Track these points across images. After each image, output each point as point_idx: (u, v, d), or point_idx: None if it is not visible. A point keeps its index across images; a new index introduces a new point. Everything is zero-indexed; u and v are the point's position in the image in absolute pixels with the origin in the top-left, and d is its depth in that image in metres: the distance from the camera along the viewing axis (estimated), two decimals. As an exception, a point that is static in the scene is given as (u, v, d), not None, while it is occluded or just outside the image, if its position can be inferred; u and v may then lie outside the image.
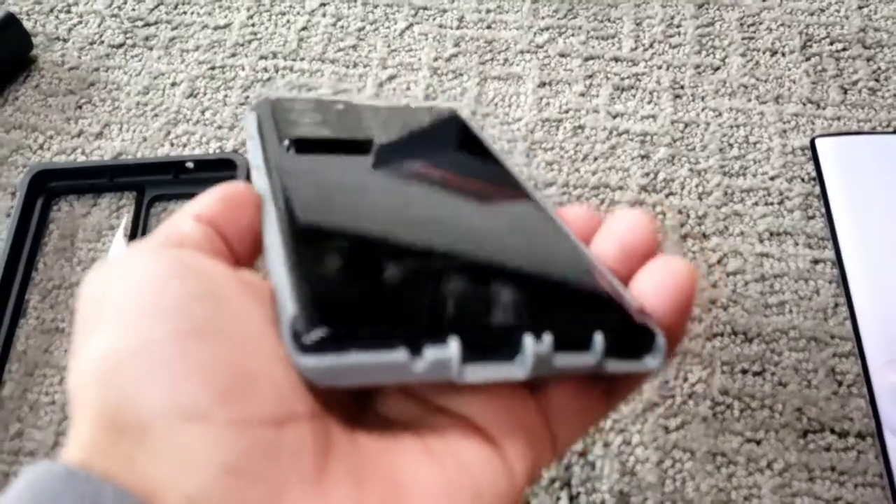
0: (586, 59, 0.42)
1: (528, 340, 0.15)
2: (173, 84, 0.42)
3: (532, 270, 0.18)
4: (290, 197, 0.19)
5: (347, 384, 0.14)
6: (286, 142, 0.22)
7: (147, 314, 0.15)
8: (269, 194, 0.19)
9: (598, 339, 0.16)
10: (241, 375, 0.14)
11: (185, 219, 0.18)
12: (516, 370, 0.15)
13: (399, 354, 0.14)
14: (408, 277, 0.17)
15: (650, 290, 0.18)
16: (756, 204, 0.37)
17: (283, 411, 0.14)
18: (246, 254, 0.19)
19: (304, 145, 0.22)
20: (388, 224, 0.19)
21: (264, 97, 0.25)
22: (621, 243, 0.19)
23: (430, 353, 0.14)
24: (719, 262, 0.35)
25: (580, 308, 0.17)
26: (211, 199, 0.19)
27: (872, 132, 0.39)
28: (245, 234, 0.19)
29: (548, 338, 0.15)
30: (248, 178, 0.37)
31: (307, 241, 0.17)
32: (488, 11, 0.45)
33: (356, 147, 0.24)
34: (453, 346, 0.15)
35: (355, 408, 0.17)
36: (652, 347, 0.17)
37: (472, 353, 0.15)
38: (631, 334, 0.16)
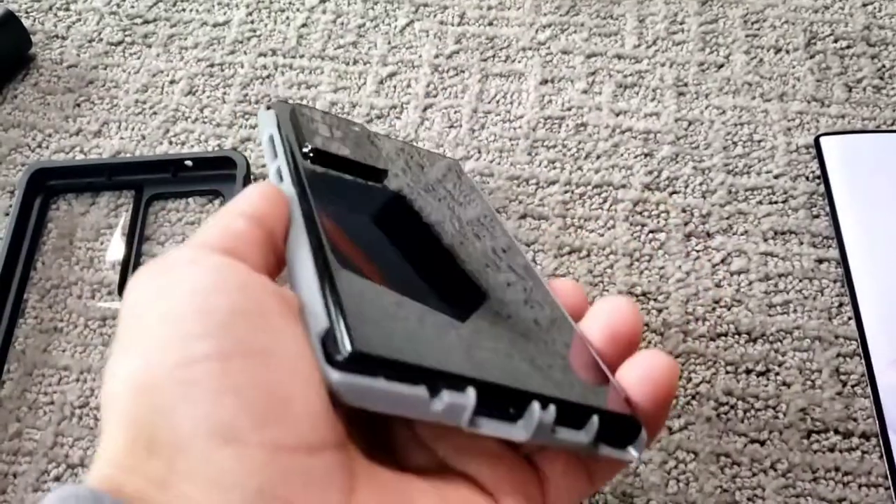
0: (589, 57, 0.42)
1: (535, 407, 0.16)
2: (172, 82, 0.42)
3: (544, 345, 0.20)
4: (317, 212, 0.19)
5: (369, 406, 0.15)
6: (307, 149, 0.22)
7: (188, 331, 0.15)
8: (296, 202, 0.19)
9: (594, 421, 0.17)
10: (279, 399, 0.14)
11: (234, 217, 0.18)
12: (519, 431, 0.16)
13: (420, 391, 0.15)
14: (435, 321, 0.18)
15: (634, 384, 0.19)
16: (760, 202, 0.37)
17: (316, 438, 0.14)
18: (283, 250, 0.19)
19: (324, 158, 0.22)
20: (414, 263, 0.20)
21: (281, 99, 0.25)
22: (609, 329, 0.20)
23: (448, 397, 0.15)
24: (723, 261, 0.35)
25: (582, 390, 0.18)
26: (255, 197, 0.19)
27: (877, 130, 0.38)
28: (284, 229, 0.19)
29: (552, 409, 0.16)
30: (245, 178, 0.37)
31: (337, 258, 0.17)
32: (490, 8, 0.44)
33: (372, 174, 0.24)
34: (470, 396, 0.15)
35: (374, 446, 0.17)
36: (636, 439, 0.18)
37: (483, 407, 0.16)
38: (621, 424, 0.18)
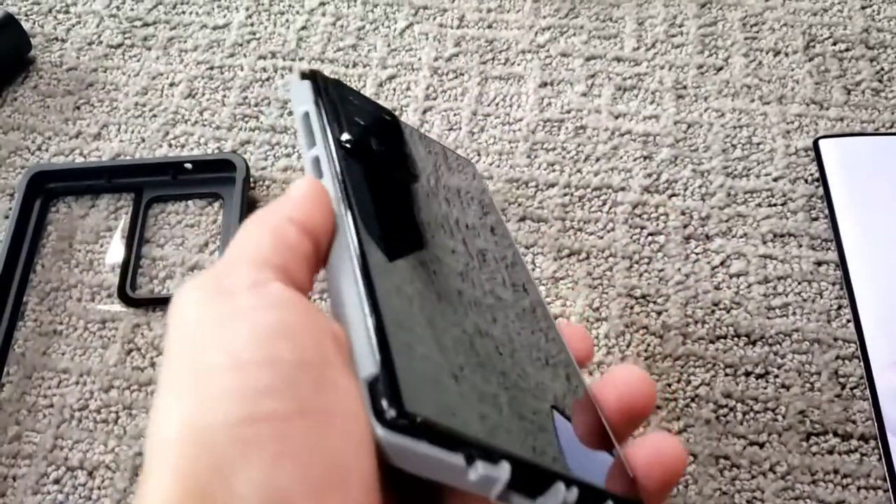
0: (588, 59, 0.42)
1: (560, 487, 0.16)
2: (172, 84, 0.42)
3: (564, 409, 0.20)
4: (360, 224, 0.18)
5: (407, 467, 0.15)
6: (345, 138, 0.20)
7: (254, 384, 0.14)
8: (339, 208, 0.18)
9: None
10: (336, 469, 0.14)
11: (285, 223, 0.17)
12: None
13: (458, 459, 0.15)
14: (476, 387, 0.18)
15: (644, 466, 0.19)
16: (759, 205, 0.37)
17: None
18: (324, 259, 0.18)
19: (361, 151, 0.21)
20: (450, 296, 0.20)
21: (314, 70, 0.23)
22: (624, 403, 0.20)
23: (483, 469, 0.15)
24: (722, 263, 0.35)
25: (598, 468, 0.18)
26: (303, 200, 0.18)
27: (876, 133, 0.39)
28: (329, 239, 0.18)
29: (575, 491, 0.17)
30: (245, 180, 0.37)
31: (383, 289, 0.17)
32: (489, 11, 0.44)
33: (405, 174, 0.23)
34: (504, 470, 0.16)
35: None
36: None
37: (514, 481, 0.16)
38: None
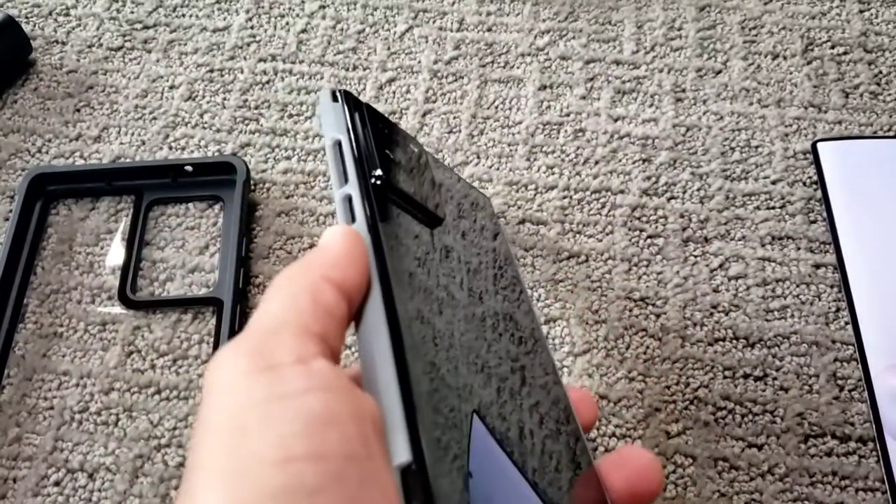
0: (587, 62, 0.42)
1: None
2: (172, 87, 0.42)
3: (570, 483, 0.20)
4: (394, 287, 0.17)
5: None
6: (376, 174, 0.19)
7: (303, 482, 0.14)
8: (373, 265, 0.18)
9: None
10: None
11: (324, 285, 0.17)
12: None
13: None
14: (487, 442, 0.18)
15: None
16: (758, 208, 0.37)
17: None
18: (357, 314, 0.18)
19: (390, 190, 0.20)
20: (490, 397, 0.19)
21: (346, 91, 0.21)
22: (633, 487, 0.20)
23: None
24: (721, 266, 0.35)
25: None
26: (341, 257, 0.17)
27: (874, 136, 0.39)
28: (363, 295, 0.17)
29: None
30: (245, 183, 0.37)
31: (417, 370, 0.16)
32: (489, 14, 0.45)
33: (430, 219, 0.22)
34: None
35: None
36: None
37: None
38: None
